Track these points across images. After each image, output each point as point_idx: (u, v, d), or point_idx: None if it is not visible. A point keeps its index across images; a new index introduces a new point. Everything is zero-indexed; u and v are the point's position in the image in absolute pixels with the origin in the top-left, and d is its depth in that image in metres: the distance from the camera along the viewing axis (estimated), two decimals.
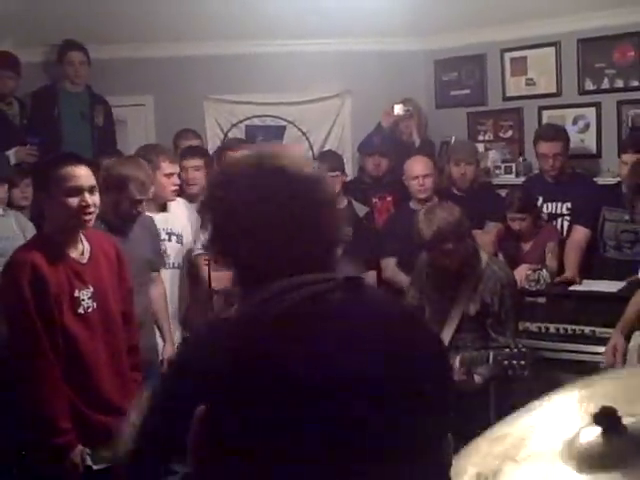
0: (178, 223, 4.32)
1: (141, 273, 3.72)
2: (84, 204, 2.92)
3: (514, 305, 3.65)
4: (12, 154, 4.89)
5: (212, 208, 1.39)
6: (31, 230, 3.83)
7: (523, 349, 3.32)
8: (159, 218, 4.21)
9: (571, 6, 5.36)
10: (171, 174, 4.25)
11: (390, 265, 4.84)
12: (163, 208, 4.30)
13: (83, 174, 2.95)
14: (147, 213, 4.10)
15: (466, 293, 3.65)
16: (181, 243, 4.31)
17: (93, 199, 2.97)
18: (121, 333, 3.18)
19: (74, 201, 2.91)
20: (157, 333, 4.03)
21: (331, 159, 5.12)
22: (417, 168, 4.90)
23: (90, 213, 2.97)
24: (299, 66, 5.97)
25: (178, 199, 4.47)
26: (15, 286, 2.85)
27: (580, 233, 4.66)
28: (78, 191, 2.92)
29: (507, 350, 3.28)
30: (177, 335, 4.20)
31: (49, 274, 2.88)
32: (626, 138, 5.08)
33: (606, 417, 1.06)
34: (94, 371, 2.99)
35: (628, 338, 3.49)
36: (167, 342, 4.04)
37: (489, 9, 5.61)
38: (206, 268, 4.05)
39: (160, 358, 4.01)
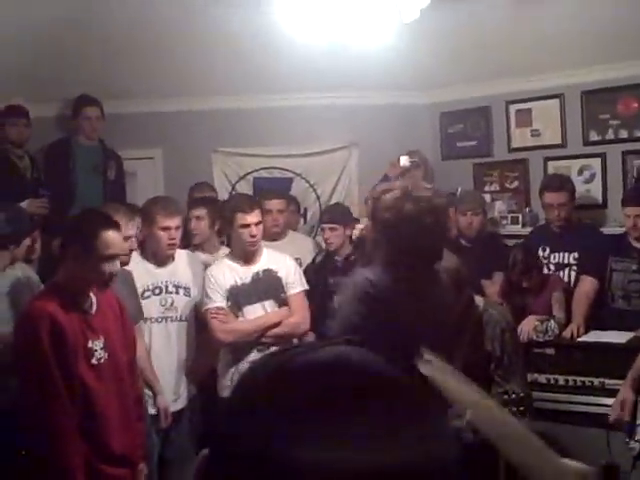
0: (185, 275, 4.31)
1: None
2: (114, 270, 3.09)
3: (516, 348, 3.57)
4: (24, 206, 4.94)
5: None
6: (37, 282, 3.83)
7: (521, 394, 3.25)
8: (165, 271, 4.22)
9: (575, 59, 5.43)
10: (167, 228, 4.14)
11: None
12: (167, 261, 4.28)
13: (121, 242, 3.17)
14: (153, 265, 4.12)
15: (465, 344, 3.61)
16: (189, 295, 4.30)
17: (119, 265, 3.16)
18: (129, 383, 3.21)
19: (109, 267, 3.04)
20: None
21: (332, 212, 5.18)
22: None
23: (114, 278, 3.15)
24: (306, 119, 6.04)
25: (184, 251, 4.49)
26: (34, 338, 2.86)
27: (588, 283, 4.65)
28: (115, 258, 3.07)
29: (505, 397, 3.22)
30: (182, 388, 4.19)
31: (66, 325, 2.90)
32: (628, 191, 5.09)
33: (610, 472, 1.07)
34: (106, 422, 3.01)
35: (638, 392, 3.46)
36: (158, 393, 4.00)
37: (494, 62, 5.70)
38: (215, 322, 4.07)
39: (153, 411, 3.97)
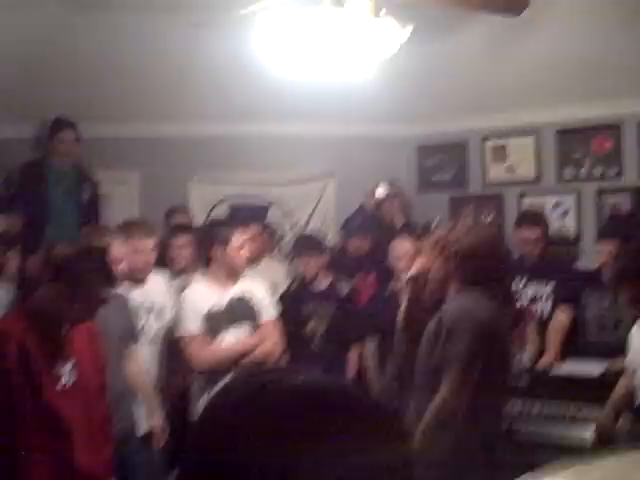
0: (157, 298, 4.26)
1: (116, 347, 3.69)
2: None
3: None
4: None
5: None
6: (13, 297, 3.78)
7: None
8: (138, 292, 4.15)
9: (550, 97, 5.53)
10: (142, 250, 4.11)
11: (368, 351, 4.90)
12: (141, 282, 4.22)
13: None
14: (123, 287, 4.07)
15: None
16: (160, 317, 4.25)
17: None
18: (98, 405, 3.17)
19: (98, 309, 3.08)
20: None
21: (306, 242, 5.21)
22: (401, 249, 4.92)
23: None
24: (284, 148, 6.07)
25: (157, 275, 4.45)
26: None
27: (563, 313, 4.68)
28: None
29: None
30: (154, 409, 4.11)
31: (33, 349, 2.86)
32: (602, 227, 5.16)
33: None
34: (74, 444, 2.96)
35: (617, 417, 3.48)
36: (154, 415, 3.99)
37: (472, 98, 5.79)
38: (189, 350, 4.03)
39: (145, 431, 3.95)
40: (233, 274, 4.17)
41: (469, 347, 2.79)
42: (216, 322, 4.09)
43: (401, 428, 0.91)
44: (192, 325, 4.06)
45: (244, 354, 4.08)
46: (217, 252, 4.13)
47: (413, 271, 3.28)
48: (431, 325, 2.95)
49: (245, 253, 4.18)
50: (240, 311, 4.15)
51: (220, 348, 4.10)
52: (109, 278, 3.07)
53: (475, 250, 2.98)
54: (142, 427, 3.96)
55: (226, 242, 4.11)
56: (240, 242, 4.13)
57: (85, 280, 2.94)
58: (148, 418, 3.99)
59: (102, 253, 3.32)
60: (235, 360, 4.04)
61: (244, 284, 4.22)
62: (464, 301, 2.95)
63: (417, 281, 3.23)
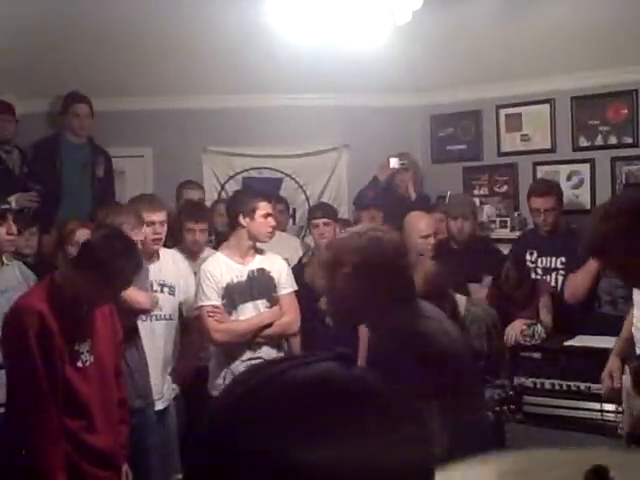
0: (170, 274, 4.29)
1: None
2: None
3: (502, 346, 3.58)
4: (13, 200, 4.92)
5: None
6: (34, 280, 3.80)
7: (511, 392, 3.25)
8: (150, 269, 4.17)
9: (565, 65, 5.46)
10: (152, 222, 4.12)
11: None
12: (152, 258, 4.25)
13: (137, 272, 3.15)
14: None
15: None
16: (173, 294, 4.28)
17: None
18: (114, 386, 3.20)
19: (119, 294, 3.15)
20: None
21: (324, 209, 5.18)
22: (424, 226, 4.88)
23: None
24: (297, 120, 6.04)
25: (170, 250, 4.47)
26: (21, 336, 2.83)
27: None
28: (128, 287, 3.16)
29: (500, 392, 3.21)
30: (165, 387, 4.18)
31: (54, 325, 2.88)
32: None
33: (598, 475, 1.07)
34: (90, 424, 3.00)
35: (624, 362, 3.49)
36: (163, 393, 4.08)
37: (485, 67, 5.72)
38: (210, 321, 4.06)
39: (161, 406, 4.03)
40: (255, 246, 4.19)
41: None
42: (236, 294, 4.12)
43: (416, 416, 0.91)
44: (213, 296, 4.08)
45: (263, 327, 4.11)
46: (243, 222, 4.12)
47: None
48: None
49: (271, 222, 4.19)
50: (259, 284, 4.17)
51: (239, 321, 4.12)
52: (138, 264, 3.06)
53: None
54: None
55: (253, 212, 4.11)
56: (266, 211, 4.15)
57: (114, 266, 2.90)
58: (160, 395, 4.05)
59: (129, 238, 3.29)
60: (254, 333, 4.08)
61: (263, 257, 4.24)
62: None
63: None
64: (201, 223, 4.78)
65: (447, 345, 2.24)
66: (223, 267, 4.15)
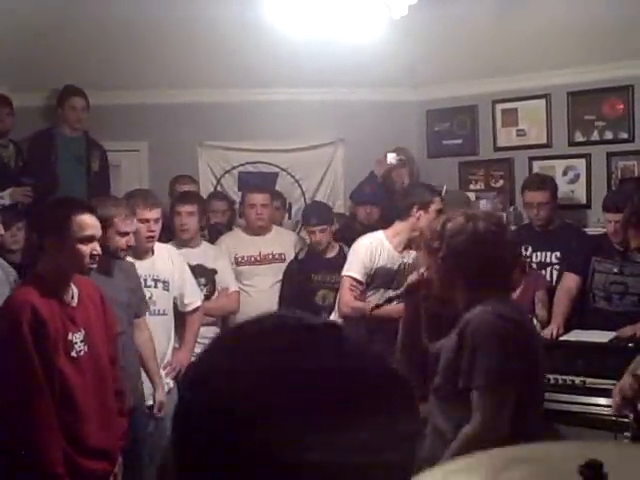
0: (164, 269, 4.29)
1: (124, 318, 3.71)
2: (95, 253, 3.03)
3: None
4: (7, 194, 4.91)
5: None
6: (15, 276, 3.78)
7: None
8: (144, 264, 4.18)
9: (561, 59, 5.46)
10: (146, 220, 4.10)
11: None
12: (146, 254, 4.25)
13: (96, 224, 3.08)
14: (129, 259, 4.09)
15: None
16: (167, 289, 4.28)
17: (99, 248, 3.08)
18: (109, 378, 3.18)
19: (87, 249, 3.00)
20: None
21: (318, 212, 5.17)
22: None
23: (96, 261, 3.08)
24: (293, 114, 6.04)
25: (164, 245, 4.47)
26: (15, 329, 2.83)
27: (570, 279, 4.66)
28: (91, 239, 3.02)
29: None
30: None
31: (47, 316, 2.88)
32: (608, 197, 4.89)
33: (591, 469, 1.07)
34: (84, 416, 2.98)
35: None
36: (158, 388, 4.01)
37: (481, 62, 5.72)
38: (349, 293, 4.28)
39: (150, 403, 3.99)
40: None
41: (499, 364, 2.36)
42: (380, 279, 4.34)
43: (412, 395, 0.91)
44: (359, 271, 4.30)
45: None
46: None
47: (412, 278, 2.80)
48: (449, 341, 2.52)
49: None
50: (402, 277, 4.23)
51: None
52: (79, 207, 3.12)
53: (472, 244, 2.49)
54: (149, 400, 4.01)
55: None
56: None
57: (59, 214, 3.04)
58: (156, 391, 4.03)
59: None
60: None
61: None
62: (485, 309, 2.45)
63: (419, 289, 2.73)
64: (189, 205, 4.71)
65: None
66: (382, 251, 4.32)
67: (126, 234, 3.72)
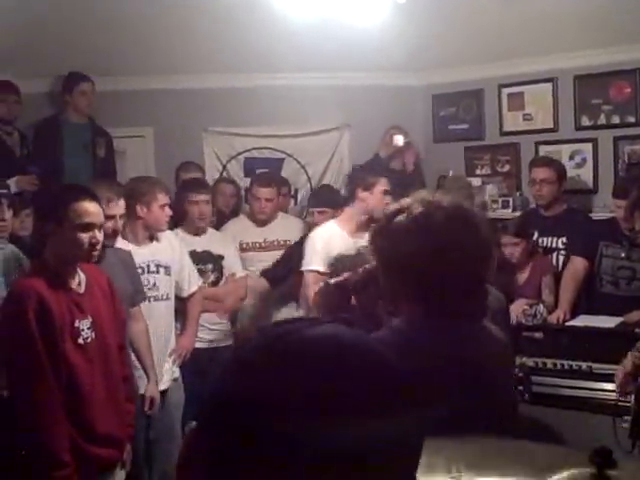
0: (166, 254, 4.29)
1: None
2: (94, 241, 3.00)
3: (509, 327, 3.53)
4: (13, 182, 4.91)
5: None
6: (27, 262, 3.78)
7: (520, 374, 3.24)
8: (147, 250, 4.19)
9: (568, 43, 5.42)
10: (166, 205, 4.21)
11: None
12: (152, 239, 4.27)
13: (97, 211, 3.04)
14: (134, 245, 4.09)
15: None
16: (169, 274, 4.28)
17: (101, 236, 3.06)
18: (117, 364, 3.18)
19: (86, 237, 2.97)
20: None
21: (320, 195, 5.16)
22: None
23: (97, 249, 3.05)
24: (298, 99, 6.02)
25: (167, 231, 4.47)
26: (21, 316, 2.83)
27: (577, 263, 4.65)
28: (91, 227, 2.99)
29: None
30: (166, 367, 4.17)
31: (53, 304, 2.88)
32: (618, 183, 4.97)
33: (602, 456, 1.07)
34: (92, 402, 2.98)
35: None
36: (150, 379, 3.89)
37: (487, 45, 5.68)
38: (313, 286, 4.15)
39: (141, 393, 3.86)
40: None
41: None
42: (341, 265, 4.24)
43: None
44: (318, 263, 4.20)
45: None
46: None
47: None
48: None
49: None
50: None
51: None
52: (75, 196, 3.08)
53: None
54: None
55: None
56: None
57: (57, 202, 3.03)
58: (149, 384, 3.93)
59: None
60: None
61: None
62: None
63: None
64: (204, 194, 4.77)
65: None
66: (336, 238, 4.24)
67: (112, 217, 3.69)
